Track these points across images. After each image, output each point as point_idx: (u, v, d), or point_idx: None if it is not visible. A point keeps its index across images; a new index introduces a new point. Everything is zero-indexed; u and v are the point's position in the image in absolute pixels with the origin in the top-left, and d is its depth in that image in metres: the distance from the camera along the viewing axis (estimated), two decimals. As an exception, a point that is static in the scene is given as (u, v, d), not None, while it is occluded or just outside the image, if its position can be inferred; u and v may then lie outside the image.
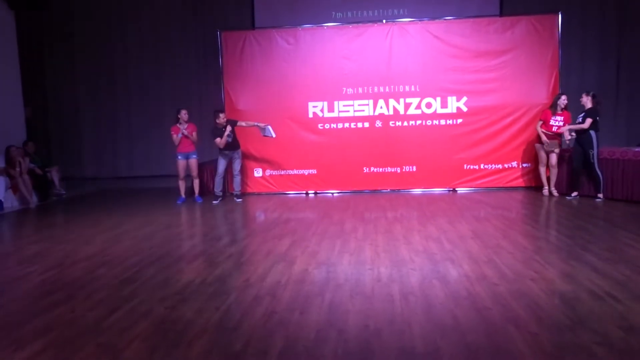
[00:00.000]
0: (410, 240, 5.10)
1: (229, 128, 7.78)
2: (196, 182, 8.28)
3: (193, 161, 8.12)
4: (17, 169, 8.21)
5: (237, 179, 8.19)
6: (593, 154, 7.07)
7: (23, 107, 9.64)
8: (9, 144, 8.39)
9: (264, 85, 8.64)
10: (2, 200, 7.97)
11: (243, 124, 7.97)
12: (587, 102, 7.20)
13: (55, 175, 9.28)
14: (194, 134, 8.06)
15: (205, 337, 2.94)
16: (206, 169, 8.88)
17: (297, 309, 3.31)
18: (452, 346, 2.72)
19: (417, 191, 8.53)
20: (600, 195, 7.10)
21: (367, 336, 2.88)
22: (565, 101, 7.51)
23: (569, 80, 9.43)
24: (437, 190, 8.52)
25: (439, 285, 3.70)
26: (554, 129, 7.49)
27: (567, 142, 7.41)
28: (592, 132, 7.06)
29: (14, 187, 8.29)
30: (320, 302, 3.42)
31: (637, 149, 7.07)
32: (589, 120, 7.02)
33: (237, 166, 8.10)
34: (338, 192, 8.69)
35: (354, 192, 8.63)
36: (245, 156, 8.69)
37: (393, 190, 8.59)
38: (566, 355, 2.59)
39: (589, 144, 7.07)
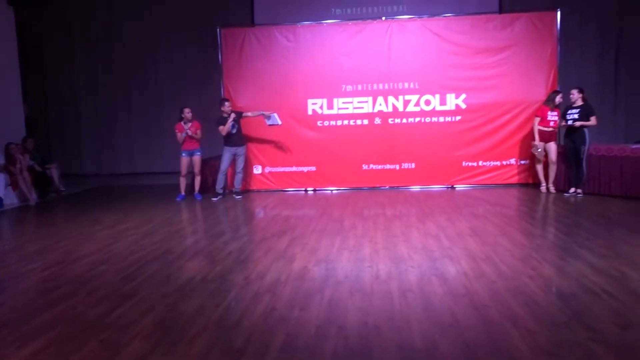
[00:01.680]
0: (409, 238, 5.14)
1: (232, 115, 7.81)
2: (197, 179, 8.30)
3: (197, 158, 8.15)
4: (17, 166, 8.23)
5: (239, 177, 8.21)
6: (584, 150, 7.12)
7: (22, 104, 9.64)
8: (9, 141, 8.40)
9: (263, 82, 8.65)
10: (2, 197, 7.99)
11: (249, 114, 8.04)
12: (578, 98, 7.23)
13: (54, 172, 9.29)
14: (198, 132, 8.08)
15: (206, 334, 2.97)
16: (209, 165, 8.89)
17: (297, 306, 3.35)
18: (450, 343, 2.76)
19: (416, 188, 8.57)
20: (580, 191, 7.21)
21: (367, 333, 2.91)
22: (561, 99, 7.55)
23: (568, 77, 9.44)
24: (436, 187, 8.56)
25: (438, 282, 3.74)
26: (552, 123, 7.52)
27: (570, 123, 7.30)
28: (586, 129, 7.10)
29: (13, 184, 8.30)
30: (319, 299, 3.46)
31: (634, 146, 7.11)
32: (594, 118, 7.06)
33: (240, 163, 8.12)
34: (337, 189, 8.72)
35: (353, 189, 8.66)
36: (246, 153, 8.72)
37: (392, 187, 8.63)
38: (563, 352, 2.63)
39: (583, 140, 7.12)
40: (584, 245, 4.63)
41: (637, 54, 10.50)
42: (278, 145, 8.71)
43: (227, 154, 8.00)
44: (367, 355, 2.65)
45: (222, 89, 8.72)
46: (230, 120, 7.78)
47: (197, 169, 8.22)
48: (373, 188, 8.63)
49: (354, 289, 3.64)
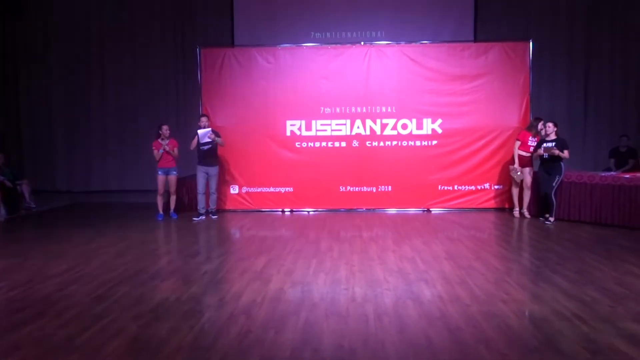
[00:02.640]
0: (385, 260, 5.16)
1: (203, 125, 7.73)
2: (173, 199, 8.21)
3: (173, 177, 8.06)
4: (-14, 181, 8.02)
5: (213, 197, 8.12)
6: (557, 181, 7.29)
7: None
8: (-21, 156, 8.21)
9: (242, 103, 8.67)
10: (-31, 213, 7.76)
11: (219, 140, 7.92)
12: (553, 131, 7.40)
13: (25, 188, 9.09)
14: (175, 149, 8.02)
15: (179, 356, 2.92)
16: (185, 184, 8.82)
17: (272, 328, 3.32)
18: (425, 366, 2.76)
19: (392, 211, 8.63)
20: (552, 219, 7.34)
21: (342, 355, 2.90)
22: (543, 127, 7.71)
23: (540, 105, 9.73)
24: (412, 210, 8.64)
25: (413, 305, 3.75)
26: (531, 149, 7.70)
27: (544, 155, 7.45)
28: (562, 162, 7.26)
29: (-18, 199, 8.08)
30: (295, 321, 3.43)
31: (603, 174, 7.33)
32: (567, 152, 7.22)
33: (213, 184, 8.02)
34: (314, 211, 8.73)
35: (330, 210, 8.68)
36: (222, 173, 8.68)
37: (368, 210, 8.68)
38: (535, 375, 2.66)
39: (559, 171, 7.26)
40: (555, 270, 4.72)
41: (605, 85, 10.89)
42: (256, 166, 8.70)
43: (199, 174, 7.93)
44: (342, 379, 2.64)
45: (200, 108, 8.71)
46: (195, 137, 7.70)
47: (172, 188, 8.13)
48: (350, 210, 8.67)
49: (329, 312, 3.63)
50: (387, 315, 3.54)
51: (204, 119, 7.89)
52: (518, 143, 7.87)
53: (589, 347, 2.99)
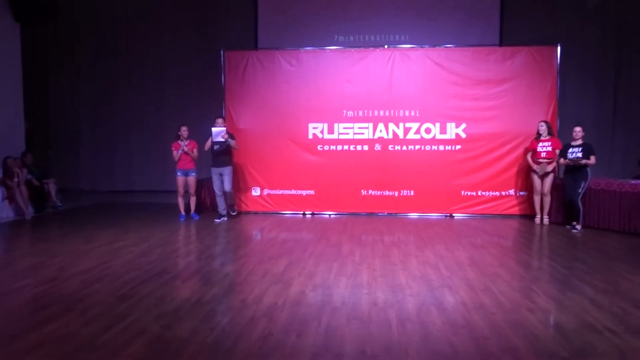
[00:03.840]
0: (407, 265, 5.09)
1: (221, 129, 7.69)
2: (193, 200, 8.26)
3: (192, 179, 8.11)
4: (15, 180, 8.19)
5: (229, 195, 8.02)
6: (583, 187, 7.12)
7: (24, 119, 9.65)
8: (7, 155, 8.38)
9: (265, 105, 8.70)
10: (-2, 210, 7.92)
11: (232, 143, 7.88)
12: (580, 136, 7.24)
13: (52, 187, 9.25)
14: (195, 151, 8.07)
15: (199, 358, 2.91)
16: (204, 186, 8.88)
17: (293, 332, 3.29)
18: (449, 375, 2.70)
19: (414, 215, 8.54)
20: (579, 227, 7.18)
21: (364, 362, 2.86)
22: (543, 126, 7.63)
23: (567, 110, 9.53)
24: (434, 215, 8.54)
25: (437, 312, 3.68)
26: (543, 154, 7.57)
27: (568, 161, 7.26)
28: (588, 168, 7.11)
29: (10, 197, 8.25)
30: (317, 326, 3.40)
31: (634, 181, 7.13)
32: (594, 157, 7.07)
33: (227, 184, 7.86)
34: (335, 214, 8.69)
35: (351, 214, 8.63)
36: (244, 174, 8.72)
37: (390, 214, 8.60)
38: (564, 388, 2.57)
39: (584, 177, 7.11)
40: (584, 279, 4.59)
41: (635, 90, 10.62)
42: (277, 168, 8.71)
43: (213, 176, 7.90)
44: (365, 386, 2.59)
45: (224, 111, 8.76)
46: (210, 138, 7.67)
47: (192, 189, 8.17)
48: (371, 214, 8.61)
49: (351, 316, 3.58)
50: (410, 322, 3.48)
51: (219, 120, 7.86)
52: (530, 153, 7.77)
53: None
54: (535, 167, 7.66)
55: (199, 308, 3.77)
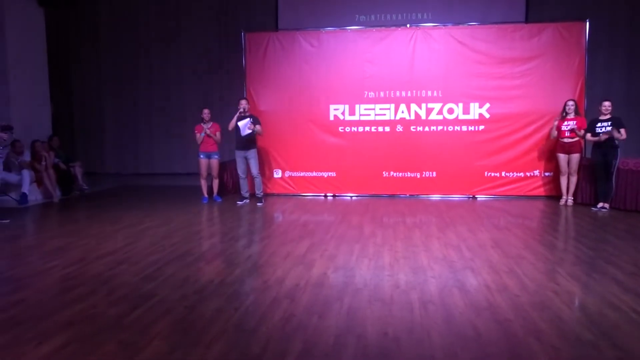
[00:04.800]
0: (429, 247, 5.07)
1: (242, 109, 7.68)
2: (216, 182, 8.33)
3: (214, 161, 8.17)
4: (42, 163, 8.37)
5: (257, 181, 8.01)
6: (615, 164, 6.96)
7: (49, 103, 9.82)
8: (35, 139, 8.56)
9: (286, 87, 8.68)
10: (27, 193, 8.12)
11: (258, 129, 7.83)
12: (609, 111, 7.05)
13: (78, 170, 9.43)
14: (217, 133, 8.10)
15: (224, 338, 2.95)
16: (227, 168, 8.94)
17: (315, 313, 3.31)
18: (472, 357, 2.69)
19: (437, 197, 8.47)
20: (607, 206, 7.05)
21: (386, 343, 2.86)
22: (573, 106, 7.44)
23: (595, 88, 9.27)
24: (457, 196, 8.45)
25: (459, 294, 3.66)
26: (567, 133, 7.43)
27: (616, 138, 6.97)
28: (618, 142, 6.93)
29: (38, 180, 8.45)
30: (339, 307, 3.41)
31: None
32: (624, 131, 6.89)
33: (253, 168, 7.89)
34: (356, 196, 8.67)
35: (373, 196, 8.60)
36: (266, 157, 8.74)
37: (412, 196, 8.55)
38: (589, 371, 2.54)
39: (614, 154, 6.94)
40: (610, 261, 4.51)
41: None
42: (299, 150, 8.71)
43: (238, 158, 7.90)
44: (387, 367, 2.60)
45: (245, 93, 8.76)
46: (237, 114, 7.67)
47: (215, 172, 8.23)
48: (393, 196, 8.57)
49: (373, 298, 3.59)
50: (433, 304, 3.46)
51: (243, 102, 7.82)
52: (555, 133, 7.62)
53: (648, 343, 2.84)
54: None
55: (222, 289, 3.82)
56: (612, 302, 3.47)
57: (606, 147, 7.00)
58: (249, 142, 7.84)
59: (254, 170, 7.93)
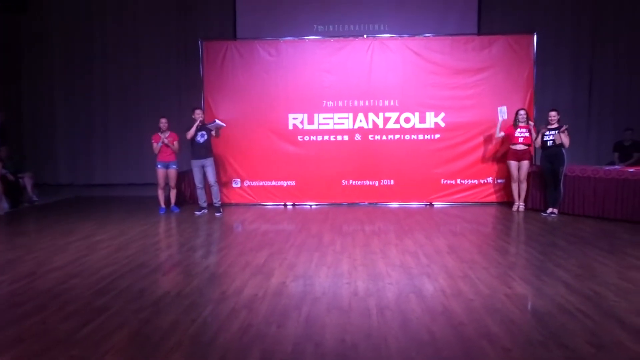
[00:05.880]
0: (387, 254, 5.14)
1: (199, 119, 7.67)
2: (173, 192, 8.20)
3: (172, 171, 8.04)
4: (-11, 175, 8.02)
5: (215, 190, 7.91)
6: (562, 171, 7.27)
7: (-2, 111, 9.45)
8: (-19, 149, 8.21)
9: (244, 96, 8.65)
10: (-28, 206, 7.75)
11: (213, 133, 7.85)
12: (555, 120, 7.39)
13: (28, 181, 9.08)
14: (175, 143, 7.98)
15: (180, 350, 2.91)
16: (185, 178, 8.81)
17: (274, 323, 3.30)
18: (427, 361, 2.75)
19: (395, 204, 8.60)
20: (556, 211, 7.36)
21: (344, 350, 2.89)
22: (524, 115, 7.80)
23: (544, 98, 9.66)
24: (414, 204, 8.61)
25: (416, 299, 3.73)
26: (520, 139, 7.74)
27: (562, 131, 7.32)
28: (564, 150, 7.25)
29: (-16, 192, 8.08)
30: (297, 316, 3.42)
31: (607, 168, 7.29)
32: (568, 139, 7.22)
33: (210, 177, 7.78)
34: (316, 204, 8.71)
35: (332, 204, 8.65)
36: (224, 166, 8.67)
37: (371, 203, 8.65)
38: (538, 370, 2.64)
39: (561, 161, 7.25)
40: (559, 264, 4.69)
41: (609, 77, 10.80)
42: (258, 159, 8.68)
43: (194, 168, 7.79)
44: (345, 374, 2.62)
45: (202, 101, 8.68)
46: (196, 124, 7.62)
47: (172, 182, 8.10)
48: (352, 204, 8.65)
49: (331, 306, 3.61)
50: (390, 310, 3.52)
51: (198, 112, 7.79)
52: (502, 134, 8.03)
53: (593, 342, 2.97)
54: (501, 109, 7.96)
55: (179, 300, 3.76)
56: (560, 303, 3.62)
57: (553, 154, 7.30)
58: (206, 150, 7.77)
59: (211, 179, 7.83)
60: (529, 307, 3.60)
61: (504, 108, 8.00)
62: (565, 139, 7.21)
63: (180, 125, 8.58)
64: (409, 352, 2.85)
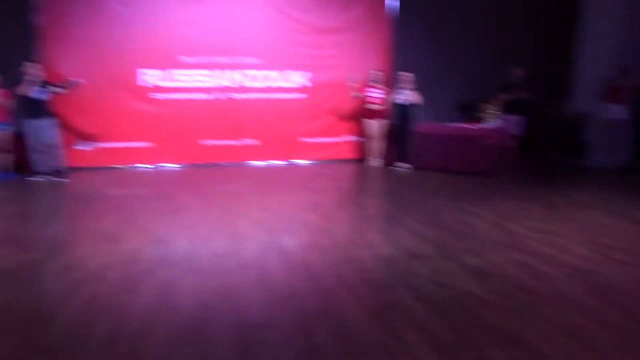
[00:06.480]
0: (248, 214, 5.09)
1: (33, 73, 6.85)
2: (8, 157, 7.22)
3: (5, 133, 7.06)
4: None
5: (57, 153, 7.08)
6: (412, 128, 7.81)
7: None
8: None
9: (91, 50, 7.76)
10: None
11: (59, 90, 7.04)
12: (408, 80, 7.86)
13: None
14: (8, 101, 6.97)
15: (15, 331, 2.59)
16: (22, 141, 7.78)
17: (127, 292, 3.09)
18: (288, 314, 2.79)
19: (258, 163, 8.55)
20: (408, 165, 7.92)
21: (202, 313, 2.81)
22: (378, 75, 8.21)
23: (401, 59, 10.11)
24: (277, 162, 8.64)
25: (277, 256, 3.76)
26: (375, 99, 8.16)
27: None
28: (416, 109, 7.77)
29: None
30: (153, 282, 3.24)
31: (452, 125, 7.97)
32: (419, 97, 7.72)
33: (51, 138, 6.97)
34: (176, 166, 8.31)
35: (193, 165, 8.33)
36: (69, 127, 7.81)
37: (233, 163, 8.49)
38: (389, 311, 2.82)
39: (413, 119, 7.76)
40: (409, 214, 5.04)
41: (462, 40, 11.52)
42: (108, 119, 7.95)
43: (28, 130, 6.92)
44: (202, 335, 2.55)
45: (38, 55, 7.66)
46: (28, 80, 6.81)
47: (5, 145, 7.13)
48: (214, 164, 8.40)
49: (190, 269, 3.48)
50: (250, 268, 3.49)
51: (32, 67, 6.93)
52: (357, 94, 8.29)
53: (436, 280, 3.25)
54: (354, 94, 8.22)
55: (14, 277, 3.34)
56: (407, 249, 3.90)
57: (405, 113, 7.78)
58: (44, 108, 6.92)
59: (53, 141, 7.02)
60: (381, 255, 3.81)
61: (354, 75, 8.22)
62: (417, 98, 7.70)
63: (13, 81, 7.51)
64: (268, 308, 2.86)
